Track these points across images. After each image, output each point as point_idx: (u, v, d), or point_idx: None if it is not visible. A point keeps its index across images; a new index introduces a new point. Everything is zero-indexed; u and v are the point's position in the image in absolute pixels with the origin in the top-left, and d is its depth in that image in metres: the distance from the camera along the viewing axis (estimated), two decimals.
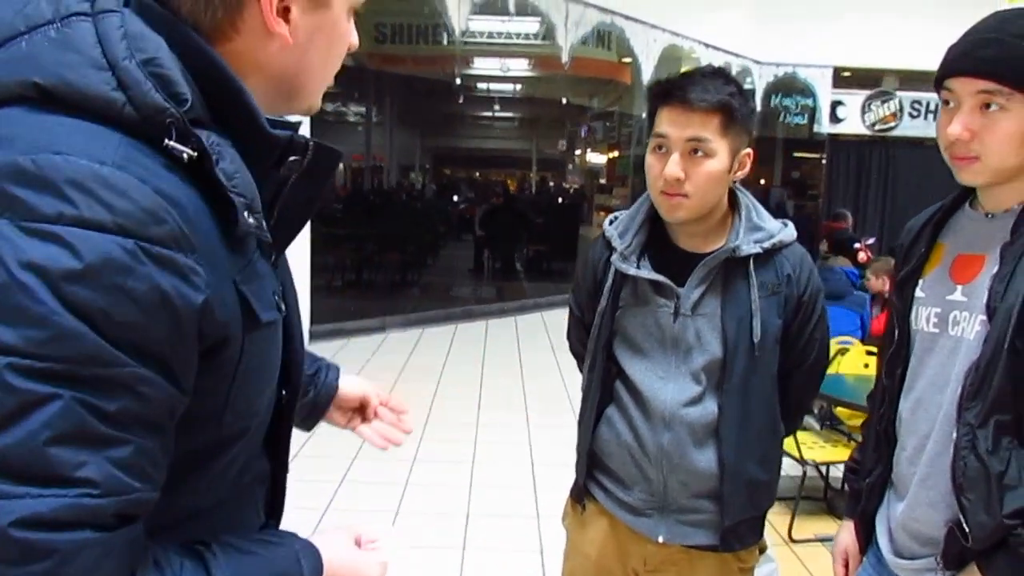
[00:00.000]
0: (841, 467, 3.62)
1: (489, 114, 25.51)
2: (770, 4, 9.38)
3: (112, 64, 0.64)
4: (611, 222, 1.63)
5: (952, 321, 1.27)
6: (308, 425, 1.18)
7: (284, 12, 0.73)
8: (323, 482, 3.88)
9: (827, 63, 10.20)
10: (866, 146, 10.61)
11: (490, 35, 10.79)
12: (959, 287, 1.27)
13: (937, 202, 1.38)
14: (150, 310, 0.61)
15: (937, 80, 1.24)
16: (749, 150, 1.51)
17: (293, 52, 0.75)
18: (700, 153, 1.45)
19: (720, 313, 1.50)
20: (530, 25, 10.37)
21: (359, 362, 6.47)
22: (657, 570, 1.61)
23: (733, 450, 1.51)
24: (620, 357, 1.58)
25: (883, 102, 10.35)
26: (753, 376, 1.50)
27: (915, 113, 10.27)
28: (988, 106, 1.18)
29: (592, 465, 1.65)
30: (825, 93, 10.37)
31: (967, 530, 1.18)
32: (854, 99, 10.38)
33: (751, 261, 1.49)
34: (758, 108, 10.01)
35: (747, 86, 9.76)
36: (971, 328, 1.23)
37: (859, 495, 1.46)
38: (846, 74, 10.43)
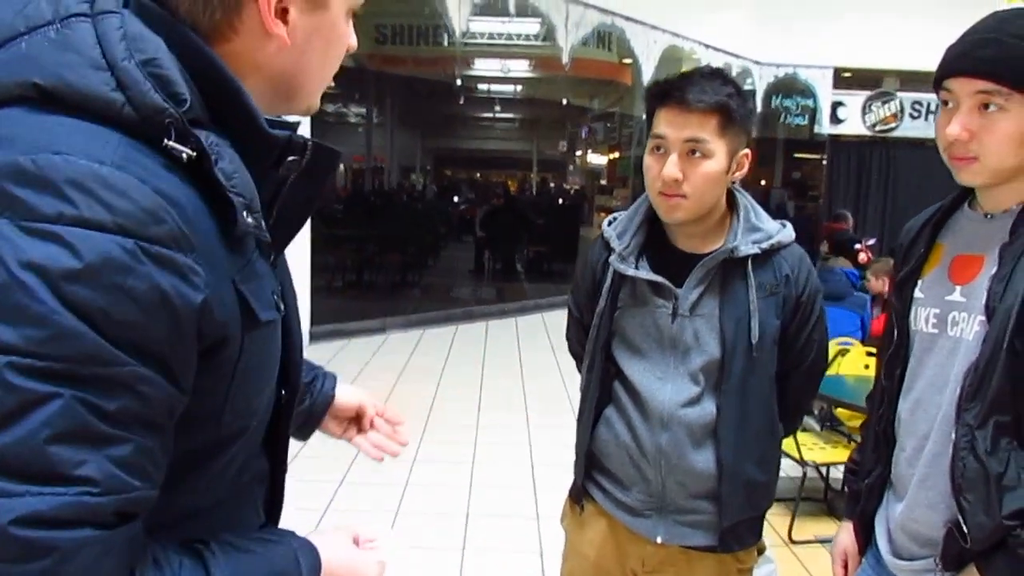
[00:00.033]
0: (841, 468, 3.61)
1: (490, 115, 25.55)
2: (770, 5, 9.37)
3: (111, 64, 0.64)
4: (610, 223, 1.63)
5: (951, 322, 1.27)
6: (304, 434, 1.17)
7: (282, 13, 0.74)
8: (323, 482, 3.88)
9: (827, 64, 10.18)
10: (867, 147, 10.59)
11: (490, 36, 10.81)
12: (958, 288, 1.27)
13: (938, 203, 1.38)
14: (150, 309, 0.61)
15: (936, 80, 1.24)
16: (747, 151, 1.51)
17: (291, 53, 0.76)
18: (698, 154, 1.45)
19: (718, 314, 1.50)
20: (530, 26, 10.39)
21: (359, 363, 6.48)
22: (655, 571, 1.61)
23: (731, 451, 1.51)
24: (618, 358, 1.58)
25: (884, 103, 10.33)
26: (751, 377, 1.50)
27: (916, 114, 10.25)
28: (987, 106, 1.18)
29: (590, 466, 1.65)
30: (825, 94, 10.35)
31: (966, 531, 1.18)
32: (855, 100, 10.36)
33: (749, 262, 1.49)
34: (759, 109, 10.01)
35: (747, 87, 9.77)
36: (970, 329, 1.23)
37: (858, 496, 1.46)
38: (847, 75, 10.41)
